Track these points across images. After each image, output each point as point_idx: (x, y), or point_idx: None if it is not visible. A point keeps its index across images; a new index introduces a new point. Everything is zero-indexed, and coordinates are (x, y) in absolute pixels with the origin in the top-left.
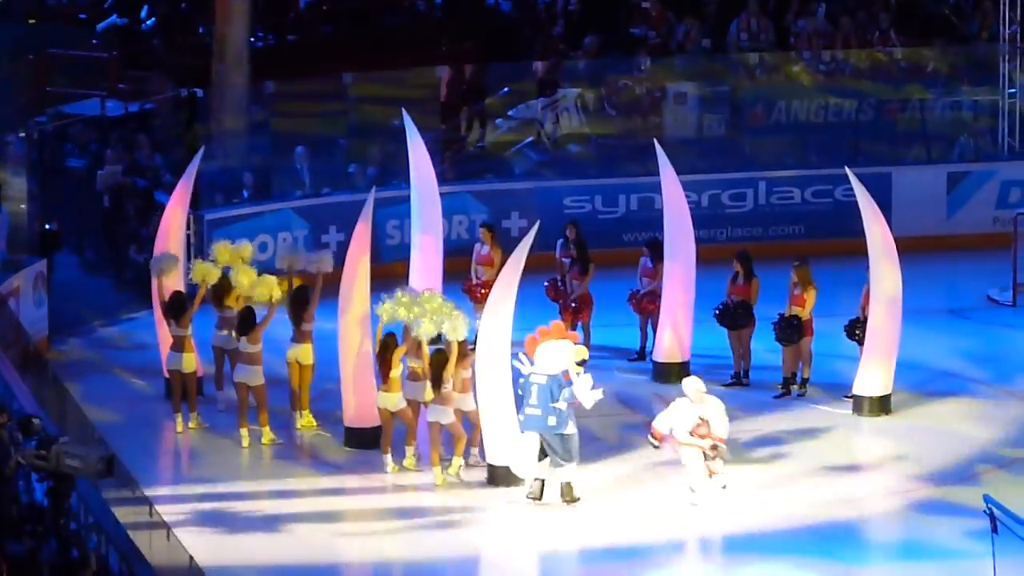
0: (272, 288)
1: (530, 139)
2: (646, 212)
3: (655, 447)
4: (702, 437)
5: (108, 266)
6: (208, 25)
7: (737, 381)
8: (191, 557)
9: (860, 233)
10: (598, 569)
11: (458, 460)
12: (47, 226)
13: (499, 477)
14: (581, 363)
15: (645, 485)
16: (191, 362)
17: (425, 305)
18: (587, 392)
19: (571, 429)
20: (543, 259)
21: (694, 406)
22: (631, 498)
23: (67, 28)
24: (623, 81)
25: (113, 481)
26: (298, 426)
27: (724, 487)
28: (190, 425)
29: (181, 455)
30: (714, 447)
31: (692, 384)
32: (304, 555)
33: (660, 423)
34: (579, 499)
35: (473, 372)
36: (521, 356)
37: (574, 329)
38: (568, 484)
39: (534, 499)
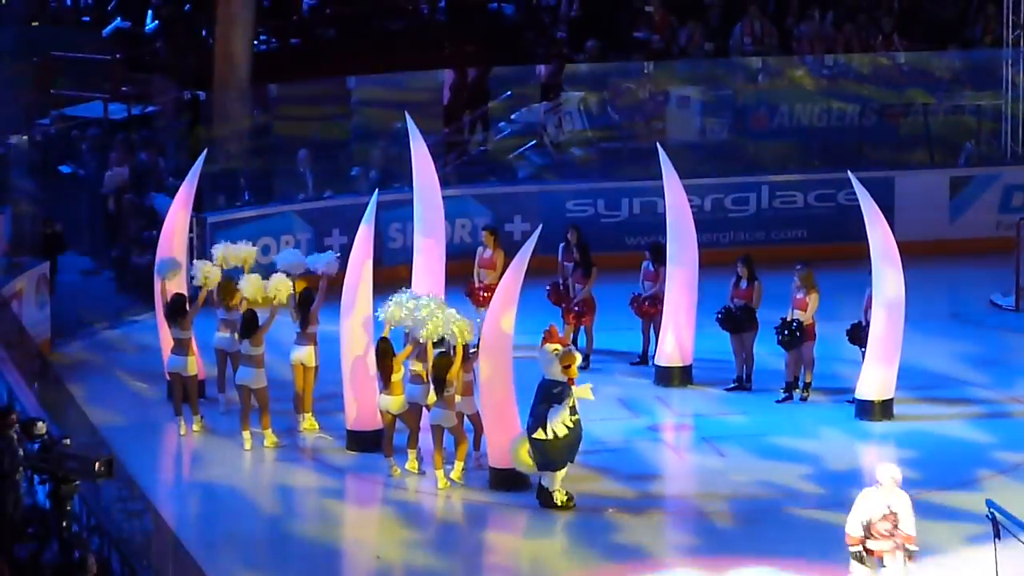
0: (286, 289)
1: (533, 143)
2: (649, 216)
3: (859, 557)
4: (890, 535)
5: (111, 269)
6: (211, 28)
7: (739, 385)
8: (193, 559)
9: (863, 237)
10: (600, 571)
11: (460, 464)
12: (53, 228)
13: (502, 480)
14: (583, 368)
15: (646, 488)
16: (193, 365)
17: (428, 308)
18: (557, 416)
19: (546, 434)
20: (546, 263)
21: (884, 494)
22: (633, 502)
23: (70, 31)
24: (626, 85)
25: (115, 483)
26: (301, 429)
27: None
28: (194, 428)
29: (183, 458)
30: (906, 549)
31: (888, 471)
32: (306, 558)
33: (854, 526)
34: (562, 504)
35: (475, 375)
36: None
37: (576, 333)
38: (546, 490)
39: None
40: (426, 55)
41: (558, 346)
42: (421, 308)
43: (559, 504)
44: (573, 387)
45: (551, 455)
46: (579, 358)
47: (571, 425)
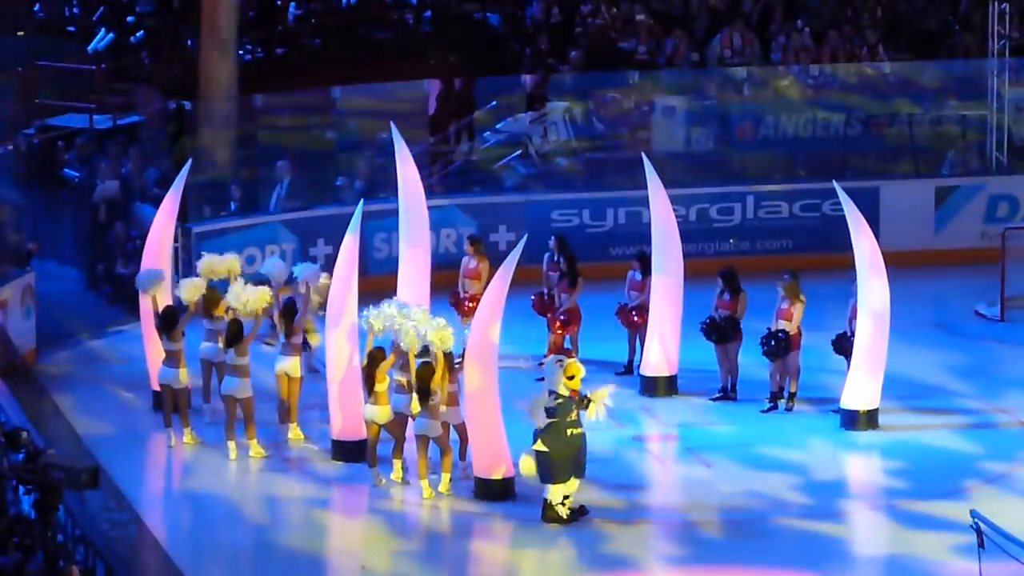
0: (264, 299)
1: (518, 153)
2: (634, 226)
3: None
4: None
5: (97, 279)
6: (195, 38)
7: (725, 395)
8: (179, 569)
9: (848, 247)
10: None
11: (446, 475)
12: (28, 245)
13: (487, 491)
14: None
15: (632, 498)
16: (183, 377)
17: (411, 317)
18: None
19: (539, 446)
20: (531, 273)
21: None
22: (619, 512)
23: (56, 41)
24: (611, 95)
25: (101, 493)
26: (286, 439)
27: None
28: (184, 440)
29: (169, 468)
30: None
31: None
32: (291, 568)
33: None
34: (567, 517)
35: (460, 386)
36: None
37: (562, 343)
38: (547, 501)
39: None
40: (411, 65)
41: (563, 357)
42: (401, 317)
43: (563, 518)
44: (589, 394)
45: (549, 467)
46: (583, 370)
47: (568, 439)
